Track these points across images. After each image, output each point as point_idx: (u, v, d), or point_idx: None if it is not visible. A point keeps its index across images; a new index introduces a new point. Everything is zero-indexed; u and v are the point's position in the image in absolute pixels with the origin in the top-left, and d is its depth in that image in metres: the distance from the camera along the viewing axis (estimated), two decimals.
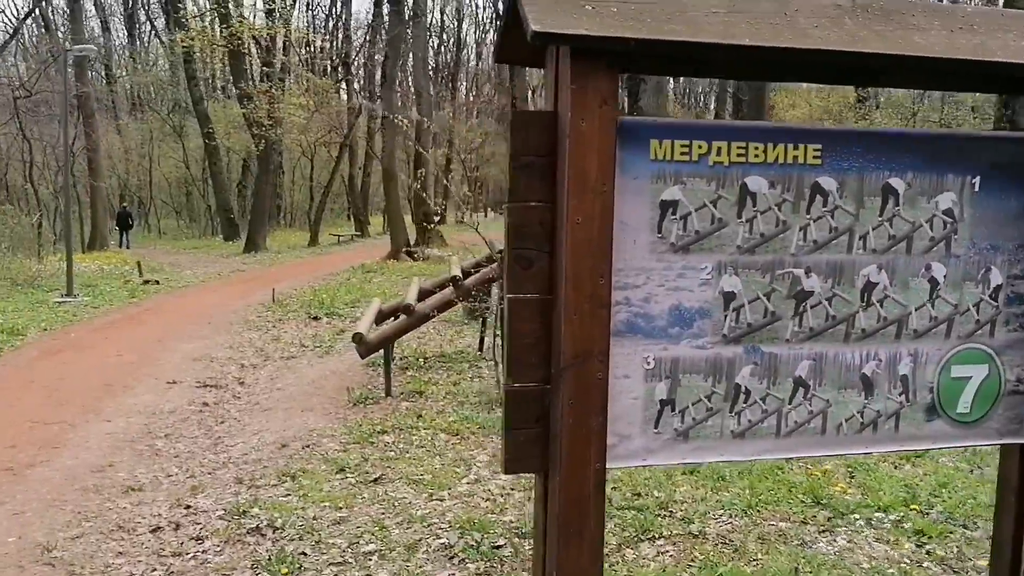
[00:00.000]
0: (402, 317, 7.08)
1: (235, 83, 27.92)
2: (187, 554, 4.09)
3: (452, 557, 3.75)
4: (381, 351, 7.30)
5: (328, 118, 31.63)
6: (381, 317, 8.39)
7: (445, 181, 19.63)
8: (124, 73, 44.05)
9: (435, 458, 5.32)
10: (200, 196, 37.74)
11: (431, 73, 33.99)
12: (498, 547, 3.81)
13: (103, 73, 42.05)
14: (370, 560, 3.79)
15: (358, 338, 6.81)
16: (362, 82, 38.17)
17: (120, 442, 6.22)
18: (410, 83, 30.84)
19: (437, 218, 23.23)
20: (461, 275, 7.11)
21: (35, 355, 9.70)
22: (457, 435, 5.79)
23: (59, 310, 13.11)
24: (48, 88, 25.85)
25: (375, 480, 4.92)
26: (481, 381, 7.63)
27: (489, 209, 56.33)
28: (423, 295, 8.50)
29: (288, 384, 8.08)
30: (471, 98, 52.18)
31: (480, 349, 8.92)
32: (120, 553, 4.16)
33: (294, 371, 8.65)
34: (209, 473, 5.44)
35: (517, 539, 3.89)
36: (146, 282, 17.37)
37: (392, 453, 5.45)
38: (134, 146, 41.26)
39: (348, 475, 5.04)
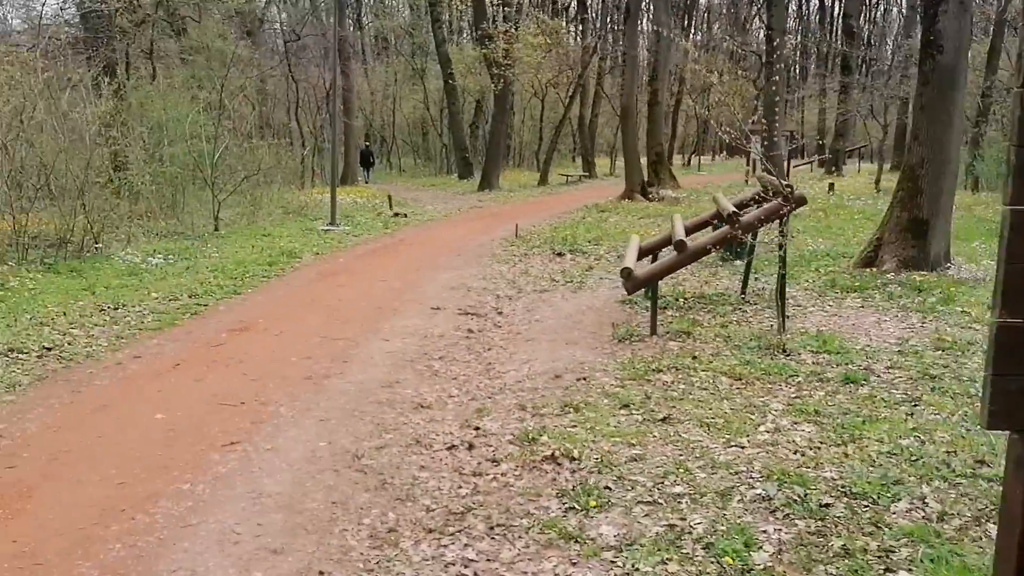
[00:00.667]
0: (672, 254, 6.77)
1: (476, 24, 28.42)
2: (487, 475, 4.12)
3: (773, 511, 3.47)
4: (641, 291, 7.08)
5: (561, 58, 31.53)
6: (641, 254, 8.14)
7: (673, 122, 18.91)
8: (372, 18, 46.43)
9: (722, 402, 5.03)
10: (436, 135, 39.24)
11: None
12: (826, 505, 3.48)
13: (353, 19, 44.62)
14: (680, 503, 3.60)
15: (626, 273, 6.61)
16: (597, 21, 37.56)
17: (401, 361, 6.49)
18: (649, 19, 29.87)
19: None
20: (735, 209, 6.65)
21: (313, 276, 10.47)
22: (740, 379, 5.45)
23: (326, 237, 14.12)
24: (311, 32, 27.65)
25: (663, 419, 4.72)
26: (750, 325, 7.19)
27: (715, 152, 54.12)
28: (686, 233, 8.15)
29: (546, 317, 8.08)
30: (701, 36, 49.95)
31: (743, 292, 8.44)
32: (423, 467, 4.28)
33: (549, 304, 8.65)
34: (489, 397, 5.51)
35: (848, 498, 3.52)
36: (396, 215, 18.32)
37: (674, 393, 5.22)
38: (379, 87, 43.64)
39: (633, 412, 4.88)
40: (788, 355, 5.87)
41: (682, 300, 8.32)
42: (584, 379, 5.68)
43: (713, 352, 6.17)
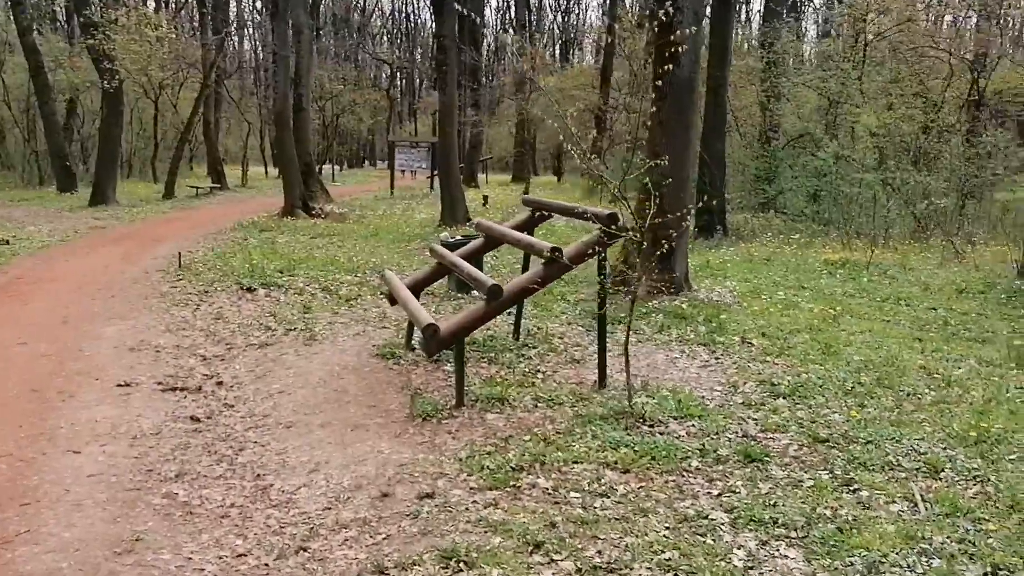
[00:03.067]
0: (477, 304, 5.41)
1: (78, 11, 23.80)
2: None
3: None
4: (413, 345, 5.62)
5: (177, 53, 27.92)
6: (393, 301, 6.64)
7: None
8: None
9: (647, 517, 3.80)
10: (23, 140, 32.54)
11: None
12: None
13: None
14: None
15: (431, 332, 5.10)
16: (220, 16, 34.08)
17: (119, 492, 4.26)
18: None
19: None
20: (553, 245, 5.50)
21: None
22: (629, 472, 4.29)
23: None
24: None
25: (605, 569, 3.37)
26: (559, 380, 6.12)
27: (343, 162, 53.09)
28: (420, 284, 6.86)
29: (290, 386, 6.21)
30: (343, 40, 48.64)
31: (516, 335, 7.35)
32: None
33: (283, 365, 6.74)
34: (304, 550, 3.67)
35: None
36: None
37: (577, 511, 3.87)
38: None
39: (553, 555, 3.45)
40: (653, 425, 4.88)
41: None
42: (430, 496, 4.09)
43: (558, 430, 4.95)
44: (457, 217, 15.84)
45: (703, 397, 5.60)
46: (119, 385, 6.18)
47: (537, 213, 7.03)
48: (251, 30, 48.31)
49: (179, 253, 12.06)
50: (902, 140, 14.62)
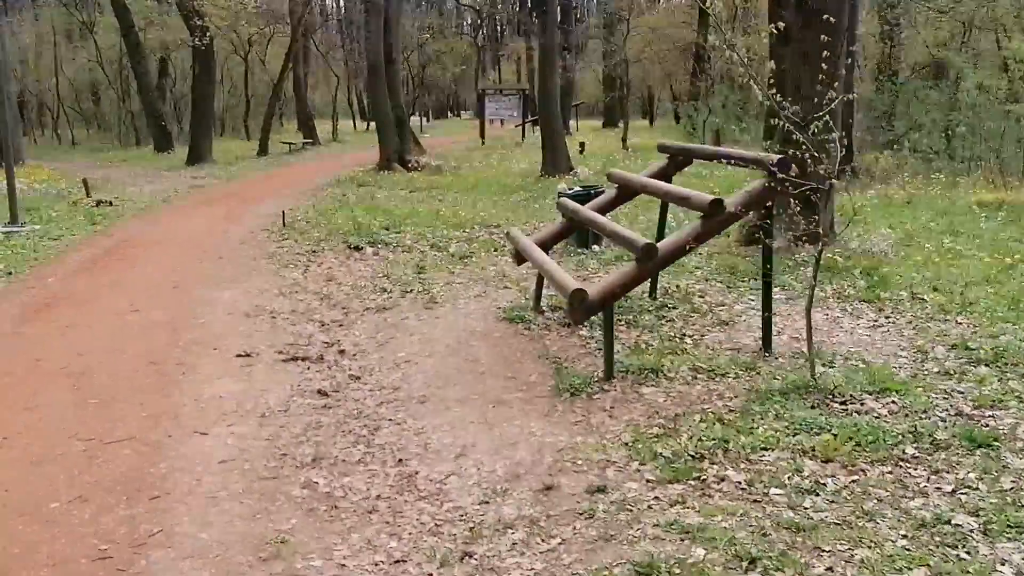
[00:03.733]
0: (630, 265, 4.78)
1: None
2: None
3: None
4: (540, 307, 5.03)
5: (264, 9, 27.84)
6: (521, 259, 6.06)
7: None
8: None
9: (875, 523, 3.18)
10: (118, 101, 33.23)
11: None
12: None
13: None
14: None
15: (578, 298, 4.51)
16: None
17: (254, 482, 3.86)
18: None
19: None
20: (716, 197, 4.80)
21: (16, 314, 7.00)
22: (832, 461, 3.64)
23: (11, 245, 10.16)
24: None
25: None
26: (711, 346, 5.48)
27: (428, 112, 52.65)
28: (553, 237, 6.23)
29: (416, 354, 5.75)
30: None
31: (652, 294, 6.71)
32: None
33: (405, 331, 6.30)
34: (467, 556, 3.18)
35: None
36: (99, 203, 14.26)
37: (778, 511, 3.27)
38: (31, 45, 36.12)
39: (775, 575, 2.86)
40: (845, 402, 4.19)
41: None
42: (601, 490, 3.55)
43: (732, 408, 4.32)
44: (559, 167, 15.14)
45: (890, 365, 4.86)
46: (239, 355, 5.85)
47: (677, 159, 6.31)
48: None
49: (283, 212, 11.80)
50: None
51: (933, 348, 5.13)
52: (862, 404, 4.16)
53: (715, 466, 3.64)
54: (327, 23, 39.93)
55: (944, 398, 4.29)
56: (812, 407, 4.14)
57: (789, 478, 3.47)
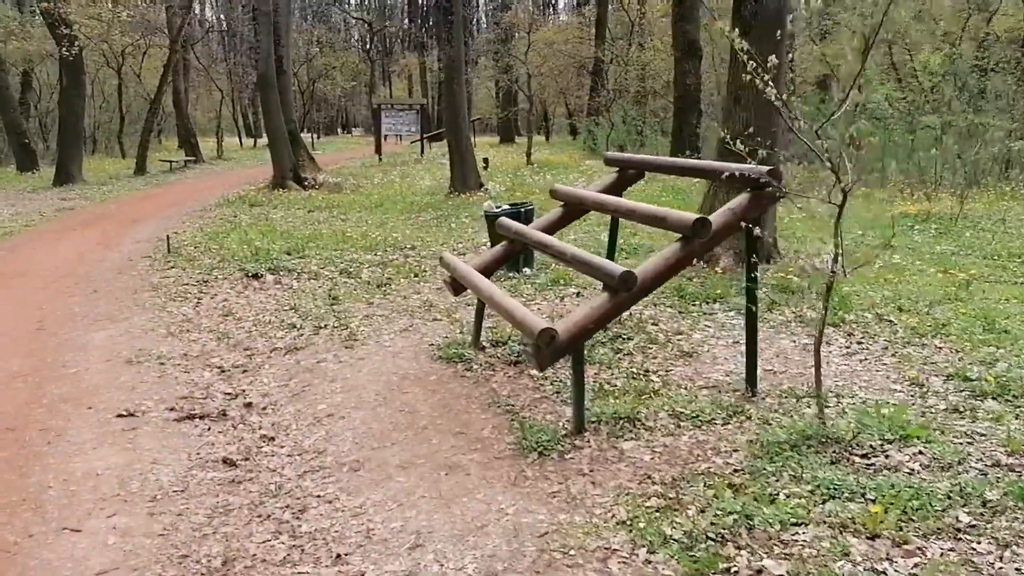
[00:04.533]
0: (602, 296, 4.06)
1: None
2: None
3: None
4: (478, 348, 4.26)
5: (138, 19, 25.96)
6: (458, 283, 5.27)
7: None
8: None
9: None
10: None
11: None
12: None
13: None
14: None
15: (547, 338, 3.76)
16: None
17: None
18: None
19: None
20: (701, 216, 4.14)
21: None
22: (879, 536, 3.01)
23: None
24: None
25: None
26: (680, 385, 4.82)
27: (318, 129, 51.02)
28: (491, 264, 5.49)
29: (340, 406, 4.86)
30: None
31: None
32: None
33: (324, 376, 5.38)
34: None
35: None
36: None
37: None
38: None
39: None
40: (867, 455, 3.59)
41: (513, 342, 5.64)
42: None
43: (736, 467, 3.65)
44: (469, 183, 14.39)
45: (890, 401, 4.32)
46: (121, 415, 4.80)
47: (626, 173, 5.66)
48: None
49: (167, 236, 10.56)
50: (957, 78, 13.31)
51: (928, 379, 4.64)
52: (887, 456, 3.56)
53: (743, 552, 2.93)
54: (208, 35, 37.88)
55: (969, 443, 3.75)
56: (832, 463, 3.52)
57: (840, 567, 2.80)
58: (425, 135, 28.28)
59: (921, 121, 12.11)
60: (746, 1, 7.15)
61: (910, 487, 3.24)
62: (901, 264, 7.64)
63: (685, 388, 4.73)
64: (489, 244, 8.02)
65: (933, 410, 4.19)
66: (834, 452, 3.59)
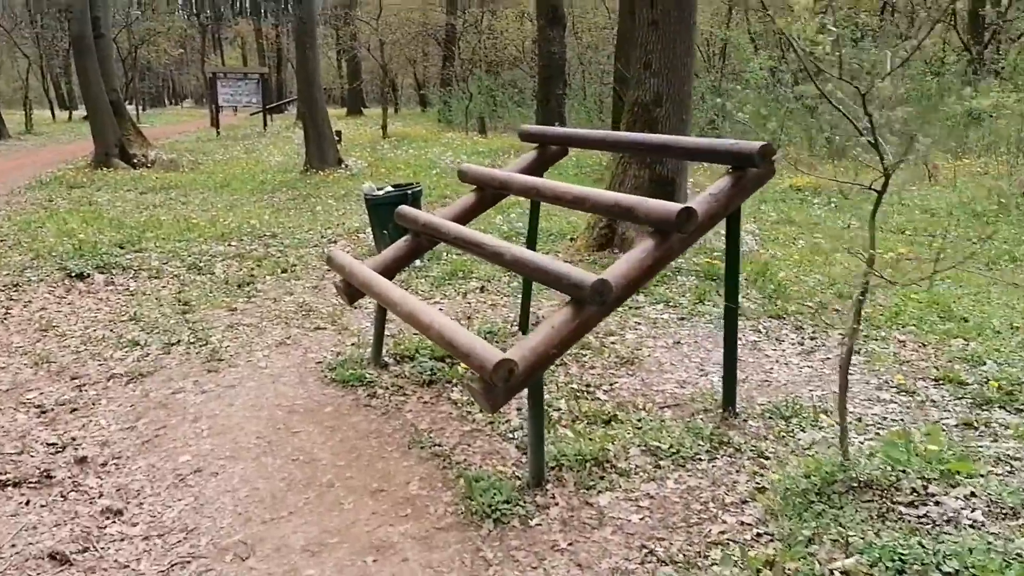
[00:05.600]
0: (565, 312, 3.16)
1: None
2: None
3: None
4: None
5: None
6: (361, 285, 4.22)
7: None
8: None
9: None
10: None
11: None
12: None
13: None
14: None
15: (504, 373, 2.84)
16: None
17: None
18: None
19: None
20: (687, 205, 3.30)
21: None
22: None
23: None
24: None
25: None
26: (665, 412, 4.03)
27: (142, 101, 46.94)
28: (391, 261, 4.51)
29: (209, 455, 3.74)
30: None
31: (522, 327, 5.15)
32: None
33: (183, 413, 4.20)
34: None
35: None
36: None
37: None
38: None
39: None
40: (913, 504, 2.90)
41: (422, 355, 4.67)
42: None
43: (747, 525, 2.88)
44: (327, 159, 13.05)
45: (886, 419, 3.70)
46: None
47: (547, 151, 4.78)
48: None
49: None
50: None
51: (915, 384, 4.07)
52: (937, 504, 2.89)
53: None
54: None
55: (1010, 473, 3.16)
56: (878, 517, 2.80)
57: None
58: (268, 106, 26.24)
59: (798, 90, 12.02)
60: None
61: (990, 550, 2.57)
62: (823, 244, 7.23)
63: (645, 410, 3.94)
64: (372, 234, 6.93)
65: (944, 427, 3.60)
66: (873, 502, 2.89)
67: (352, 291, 4.36)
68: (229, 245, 8.13)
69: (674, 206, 3.17)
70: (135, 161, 14.70)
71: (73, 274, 7.05)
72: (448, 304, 5.85)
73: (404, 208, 4.56)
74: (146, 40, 35.11)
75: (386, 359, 4.63)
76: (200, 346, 5.12)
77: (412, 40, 27.79)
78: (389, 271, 4.40)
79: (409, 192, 6.59)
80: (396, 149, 17.19)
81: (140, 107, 38.99)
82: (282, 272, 6.89)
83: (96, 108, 14.40)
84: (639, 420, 3.77)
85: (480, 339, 3.05)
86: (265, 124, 25.72)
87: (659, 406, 3.99)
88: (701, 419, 3.77)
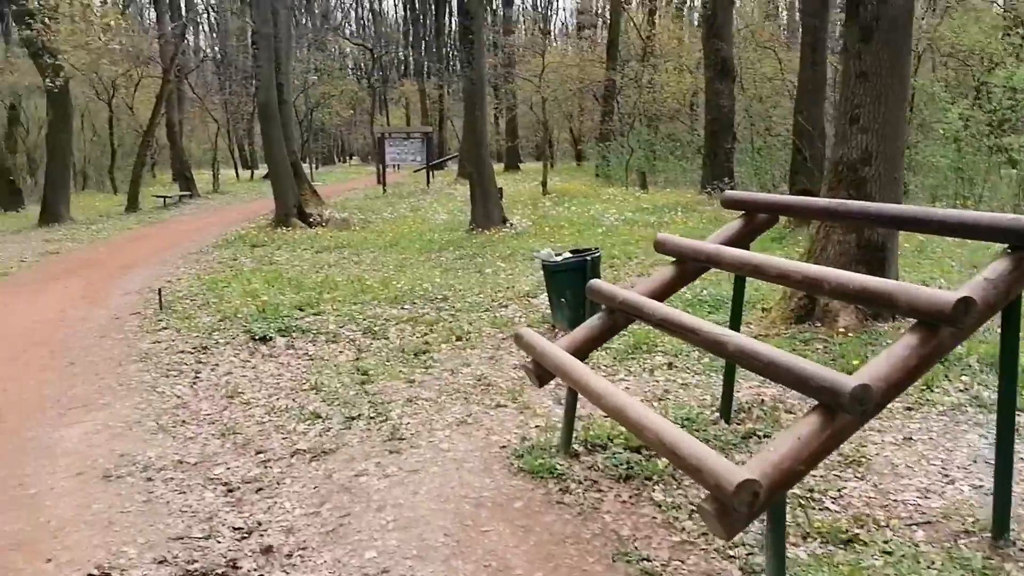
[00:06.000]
0: (813, 420, 2.68)
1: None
2: None
3: None
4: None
5: (129, 48, 24.76)
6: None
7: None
8: None
9: None
10: None
11: None
12: None
13: None
14: None
15: (746, 496, 2.38)
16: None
17: None
18: None
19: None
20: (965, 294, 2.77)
21: None
22: None
23: None
24: None
25: None
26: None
27: (316, 159, 49.87)
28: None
29: (395, 552, 3.48)
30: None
31: (726, 414, 4.65)
32: None
33: (367, 500, 3.99)
34: None
35: None
36: None
37: None
38: None
39: None
40: None
41: (616, 443, 4.25)
42: None
43: None
44: (492, 218, 13.07)
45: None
46: None
47: (755, 219, 4.31)
48: (208, 19, 44.90)
49: (159, 289, 9.19)
50: None
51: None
52: None
53: None
54: (202, 64, 36.78)
55: None
56: None
57: None
58: (432, 163, 27.06)
59: (1004, 141, 10.87)
60: (865, 1, 5.84)
61: None
62: None
63: (889, 527, 3.34)
64: (548, 300, 6.65)
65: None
66: None
67: (543, 373, 4.04)
68: (402, 308, 8.11)
69: (947, 295, 2.64)
70: (311, 220, 15.34)
71: (257, 337, 7.20)
72: (634, 382, 5.44)
73: (598, 283, 4.22)
74: (320, 103, 37.32)
75: (576, 447, 4.27)
76: (380, 422, 4.96)
77: (570, 96, 27.92)
78: (581, 352, 4.06)
79: (588, 258, 6.28)
80: (558, 206, 17.08)
81: (314, 166, 41.42)
82: (456, 340, 6.72)
83: (278, 171, 15.18)
84: (886, 543, 3.19)
85: (711, 451, 2.62)
86: (428, 181, 26.49)
87: (906, 523, 3.38)
88: (965, 546, 3.15)
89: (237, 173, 39.31)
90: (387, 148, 25.92)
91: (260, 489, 4.21)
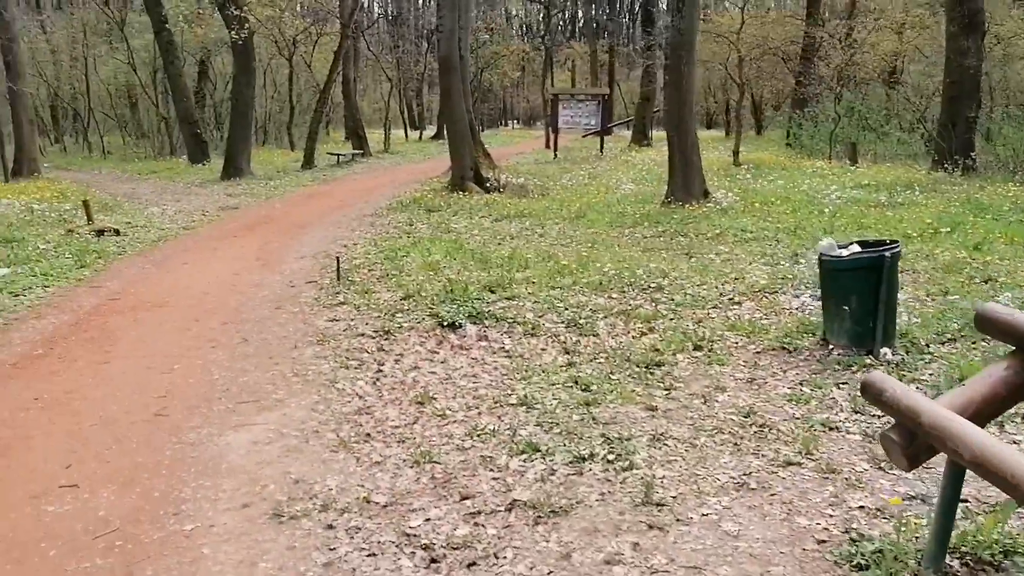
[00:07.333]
0: None
1: None
2: None
3: None
4: None
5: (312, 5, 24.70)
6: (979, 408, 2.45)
7: None
8: None
9: None
10: (153, 105, 30.26)
11: None
12: None
13: None
14: None
15: None
16: None
17: None
18: None
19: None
20: None
21: None
22: None
23: None
24: None
25: None
26: None
27: (482, 122, 49.26)
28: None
29: None
30: None
31: None
32: None
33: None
34: None
35: None
36: (100, 232, 11.03)
37: None
38: (64, 45, 33.43)
39: None
40: None
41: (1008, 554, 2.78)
42: None
43: None
44: (692, 190, 11.51)
45: None
46: None
47: None
48: None
49: (336, 257, 8.37)
50: None
51: None
52: None
53: None
54: (378, 22, 36.74)
55: None
56: None
57: None
58: (606, 127, 25.52)
59: None
60: None
61: None
62: None
63: None
64: (823, 309, 5.14)
65: None
66: None
67: (918, 448, 2.62)
68: (610, 298, 6.83)
69: None
70: (488, 185, 14.33)
71: (444, 323, 6.15)
72: None
73: (997, 308, 2.73)
74: (490, 63, 36.47)
75: (951, 561, 2.82)
76: (623, 469, 3.70)
77: (767, 54, 25.39)
78: (980, 416, 2.60)
79: (887, 254, 4.70)
80: (758, 179, 15.21)
81: (481, 128, 40.85)
82: (695, 349, 5.35)
83: (456, 131, 14.23)
84: None
85: None
86: (601, 147, 25.02)
87: None
88: None
89: (406, 133, 39.30)
90: (560, 110, 24.57)
91: (472, 564, 3.06)
